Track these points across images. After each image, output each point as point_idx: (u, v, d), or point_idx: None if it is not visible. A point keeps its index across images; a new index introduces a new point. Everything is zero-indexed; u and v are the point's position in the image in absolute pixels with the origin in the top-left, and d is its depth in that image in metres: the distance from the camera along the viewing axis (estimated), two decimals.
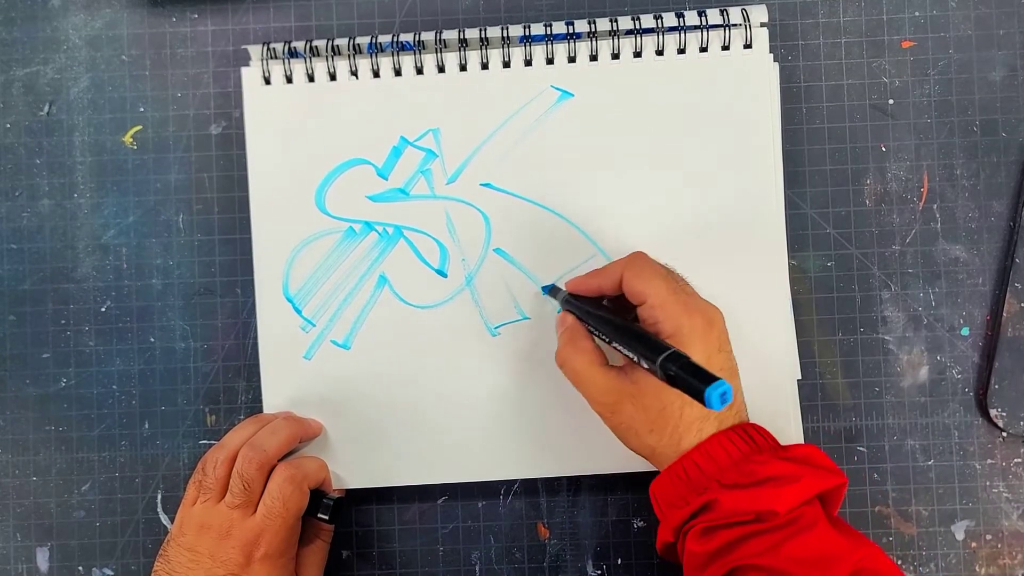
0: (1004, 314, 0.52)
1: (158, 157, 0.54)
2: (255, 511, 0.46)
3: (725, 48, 0.50)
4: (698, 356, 0.42)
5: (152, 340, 0.54)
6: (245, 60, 0.53)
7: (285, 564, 0.47)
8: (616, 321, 0.43)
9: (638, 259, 0.45)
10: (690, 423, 0.42)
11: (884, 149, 0.53)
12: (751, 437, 0.43)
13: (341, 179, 0.52)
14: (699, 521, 0.42)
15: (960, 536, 0.52)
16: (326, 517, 0.48)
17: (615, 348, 0.42)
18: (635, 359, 0.40)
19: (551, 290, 0.50)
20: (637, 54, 0.51)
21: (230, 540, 0.45)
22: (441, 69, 0.51)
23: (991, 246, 0.52)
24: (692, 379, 0.37)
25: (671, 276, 0.45)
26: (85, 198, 0.54)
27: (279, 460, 0.48)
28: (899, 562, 0.52)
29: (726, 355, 0.44)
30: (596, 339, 0.45)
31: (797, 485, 0.40)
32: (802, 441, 0.51)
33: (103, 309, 0.54)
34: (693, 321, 0.42)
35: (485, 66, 0.51)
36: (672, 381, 0.38)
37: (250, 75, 0.52)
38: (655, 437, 0.43)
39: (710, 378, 0.36)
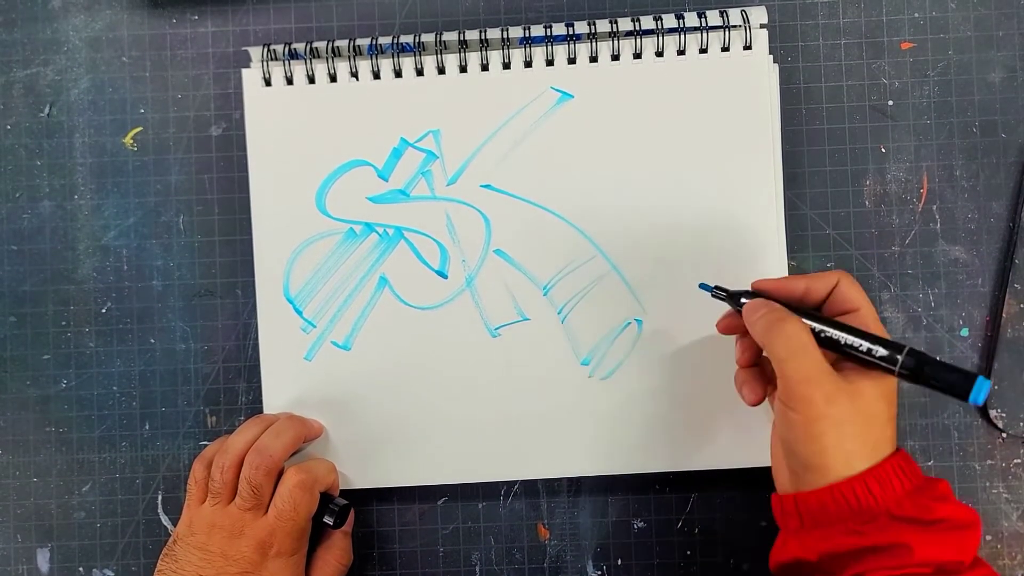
0: (1004, 315, 0.52)
1: (158, 158, 0.54)
2: (265, 512, 0.46)
3: (725, 49, 0.50)
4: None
5: (152, 341, 0.54)
6: (245, 62, 0.53)
7: (297, 562, 0.47)
8: (829, 318, 0.41)
9: (850, 276, 0.43)
10: (889, 440, 0.40)
11: (884, 150, 0.53)
12: (914, 466, 0.39)
13: (341, 180, 0.52)
14: (877, 567, 0.38)
15: None
16: (331, 522, 0.48)
17: (827, 339, 0.40)
18: (866, 349, 0.39)
19: (724, 293, 0.46)
20: (637, 55, 0.51)
21: (243, 539, 0.45)
22: (441, 71, 0.51)
23: (991, 247, 0.53)
24: (953, 373, 0.36)
25: None
26: (85, 199, 0.54)
27: (286, 461, 0.48)
28: None
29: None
30: None
31: (971, 531, 0.38)
32: None
33: (103, 310, 0.54)
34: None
35: (485, 67, 0.51)
36: (919, 376, 0.37)
37: (250, 76, 0.52)
38: (858, 441, 0.39)
39: (975, 374, 0.36)
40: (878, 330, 0.41)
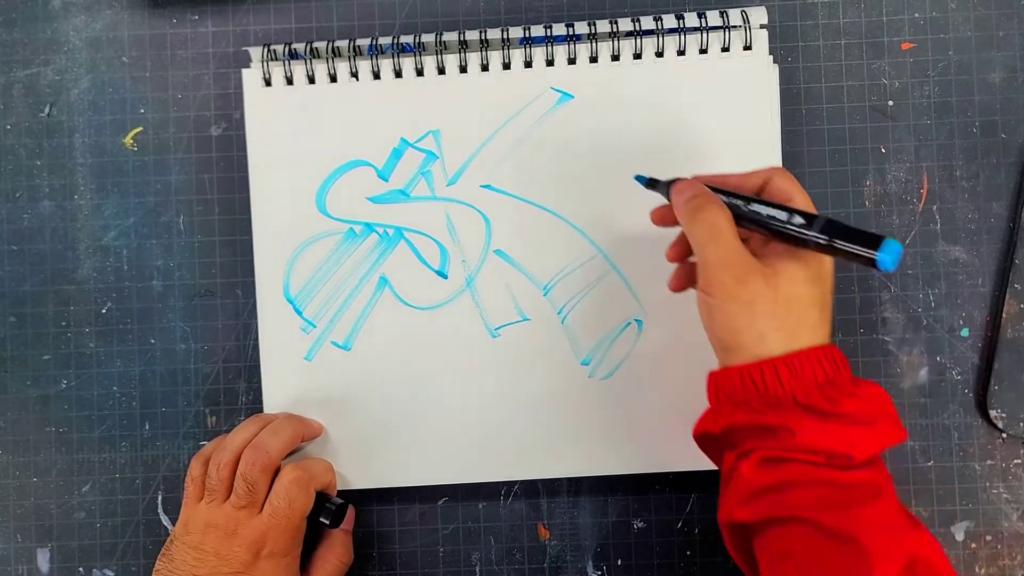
0: (1004, 315, 0.52)
1: (159, 158, 0.54)
2: (260, 510, 0.46)
3: (725, 50, 0.50)
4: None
5: (153, 341, 0.54)
6: (246, 62, 0.53)
7: (289, 563, 0.47)
8: (756, 197, 0.41)
9: (786, 171, 0.43)
10: (809, 324, 0.39)
11: (884, 151, 0.53)
12: (836, 362, 0.39)
13: (341, 180, 0.52)
14: (763, 447, 0.38)
15: (960, 537, 0.52)
16: (327, 521, 0.48)
17: (752, 213, 0.40)
18: (783, 218, 0.39)
19: (650, 181, 0.46)
20: (637, 56, 0.51)
21: (236, 539, 0.45)
22: (441, 71, 0.51)
23: (991, 247, 0.53)
24: (863, 236, 0.36)
25: None
26: (86, 199, 0.54)
27: (283, 460, 0.48)
28: None
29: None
30: None
31: (873, 430, 0.37)
32: None
33: (104, 310, 0.54)
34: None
35: (485, 68, 0.51)
36: (832, 243, 0.37)
37: (251, 77, 0.52)
38: (772, 323, 0.39)
39: (883, 236, 0.35)
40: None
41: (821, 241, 0.38)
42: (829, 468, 0.37)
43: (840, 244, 0.37)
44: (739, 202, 0.41)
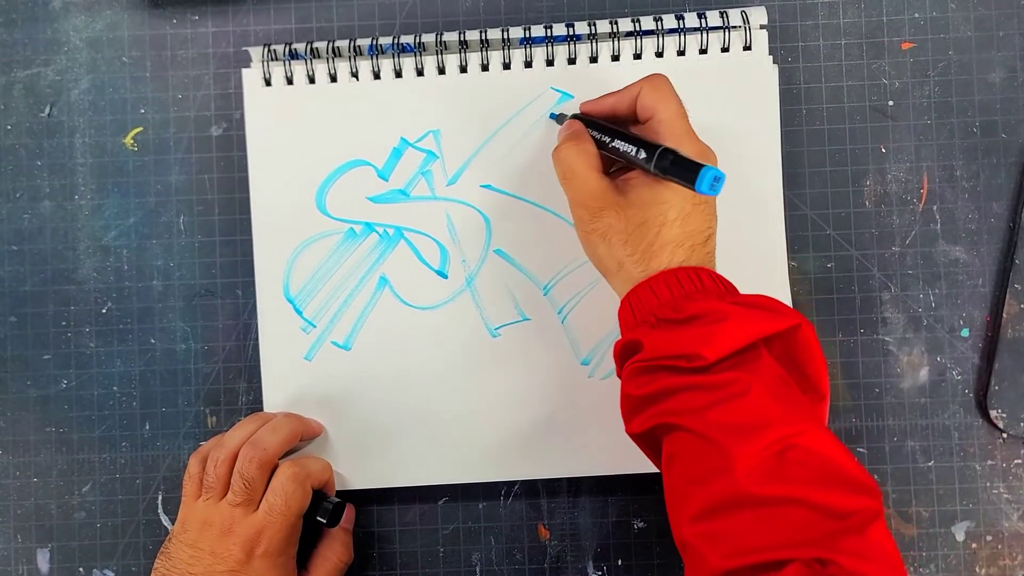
0: (1004, 315, 0.52)
1: (159, 158, 0.54)
2: (257, 508, 0.46)
3: (725, 50, 0.50)
4: None
5: (153, 341, 0.54)
6: (246, 62, 0.53)
7: (285, 563, 0.47)
8: (619, 128, 0.45)
9: (659, 77, 0.45)
10: (664, 245, 0.42)
11: (884, 150, 0.53)
12: (699, 278, 0.41)
13: (342, 180, 0.52)
14: (632, 361, 0.41)
15: (960, 537, 0.52)
16: (324, 520, 0.48)
17: (613, 149, 0.43)
18: (632, 152, 0.42)
19: (558, 117, 0.50)
20: (637, 56, 0.51)
21: (231, 537, 0.45)
22: (441, 71, 0.51)
23: (991, 247, 0.53)
24: (685, 166, 0.39)
25: (683, 105, 0.44)
26: (86, 200, 0.54)
27: (281, 458, 0.48)
28: None
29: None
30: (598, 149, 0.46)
31: (725, 325, 0.39)
32: None
33: (104, 310, 0.54)
34: (692, 148, 0.42)
35: (485, 68, 0.51)
36: (666, 171, 0.40)
37: (251, 76, 0.52)
38: (627, 250, 0.42)
39: (702, 165, 0.38)
40: (675, 130, 0.43)
41: (657, 172, 0.41)
42: (692, 373, 0.39)
43: (669, 177, 0.41)
44: (605, 138, 0.44)
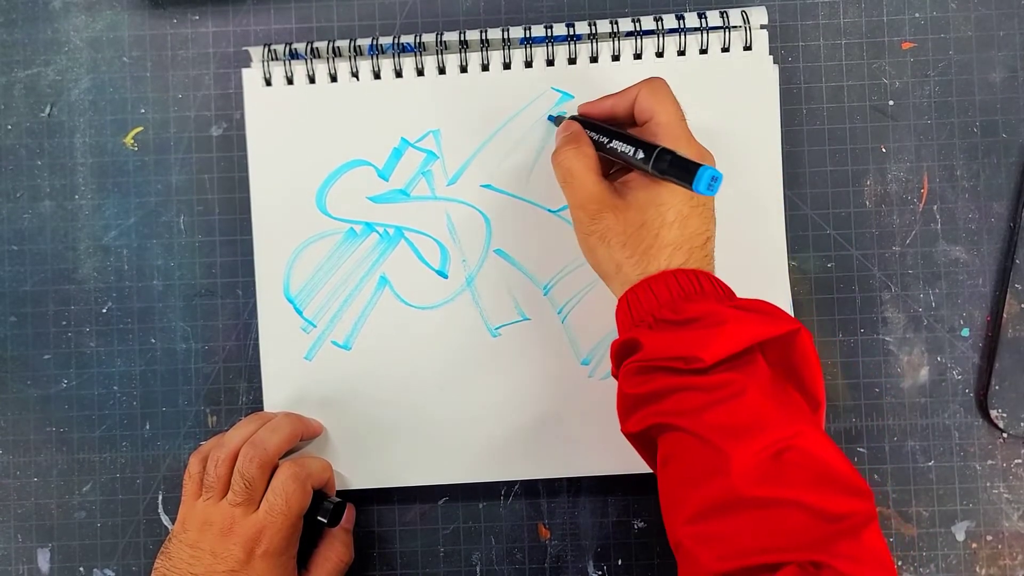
0: (1004, 315, 0.52)
1: (159, 158, 0.54)
2: (257, 508, 0.46)
3: (725, 50, 0.50)
4: None
5: (153, 341, 0.54)
6: (246, 61, 0.53)
7: (285, 563, 0.47)
8: (617, 129, 0.45)
9: (657, 80, 0.45)
10: (663, 247, 0.42)
11: (884, 150, 0.53)
12: (699, 280, 0.41)
13: (342, 180, 0.52)
14: (629, 361, 0.41)
15: (960, 537, 0.52)
16: (325, 520, 0.48)
17: (612, 150, 0.44)
18: (630, 153, 0.42)
19: (556, 119, 0.50)
20: (637, 56, 0.51)
21: (232, 537, 0.45)
22: (442, 71, 0.51)
23: (991, 247, 0.53)
24: (683, 166, 0.39)
25: (681, 109, 0.44)
26: (86, 199, 0.54)
27: (281, 458, 0.48)
28: (899, 563, 0.52)
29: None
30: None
31: (723, 329, 0.39)
32: None
33: (104, 310, 0.54)
34: (690, 150, 0.42)
35: (486, 68, 0.51)
36: (664, 171, 0.40)
37: (251, 76, 0.52)
38: (626, 252, 0.42)
39: (700, 165, 0.39)
40: (673, 133, 0.43)
41: (655, 173, 0.41)
42: (689, 375, 0.39)
43: (666, 177, 0.41)
44: (603, 139, 0.44)
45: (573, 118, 0.48)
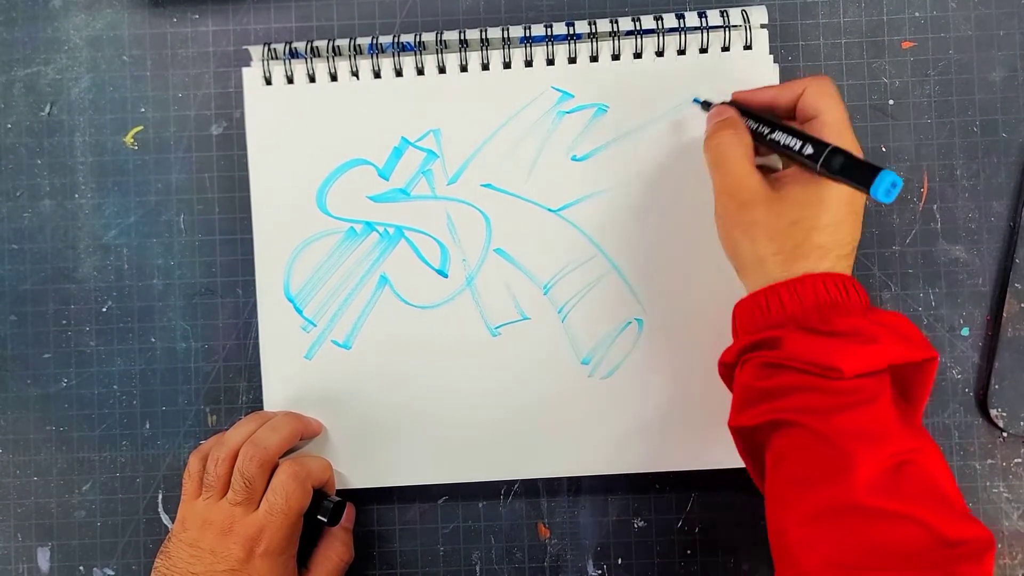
0: (1004, 314, 0.52)
1: (159, 157, 0.54)
2: (257, 507, 0.46)
3: (725, 49, 0.50)
4: None
5: (153, 340, 0.54)
6: (246, 60, 0.53)
7: (285, 562, 0.47)
8: (781, 122, 0.43)
9: (825, 78, 0.43)
10: (812, 248, 0.40)
11: (884, 150, 0.53)
12: (846, 289, 0.40)
13: (342, 179, 0.52)
14: (761, 355, 0.40)
15: None
16: (325, 519, 0.48)
17: (773, 142, 0.42)
18: (797, 148, 0.40)
19: (704, 103, 0.49)
20: (637, 55, 0.51)
21: (231, 536, 0.45)
22: (442, 70, 0.51)
23: (991, 246, 0.53)
24: (861, 167, 0.37)
25: (847, 112, 0.43)
26: (86, 198, 0.54)
27: (281, 457, 0.48)
28: None
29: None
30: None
31: (871, 348, 0.38)
32: None
33: (104, 309, 0.54)
34: (857, 154, 0.41)
35: (486, 67, 0.51)
36: (838, 170, 0.38)
37: (251, 75, 0.52)
38: (772, 247, 0.41)
39: (880, 168, 0.36)
40: (840, 134, 0.41)
41: (823, 172, 0.39)
42: (821, 377, 0.38)
43: (838, 177, 0.39)
44: (764, 128, 0.42)
45: (728, 104, 0.46)
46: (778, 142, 0.42)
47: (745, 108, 0.45)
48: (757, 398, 0.40)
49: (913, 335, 0.40)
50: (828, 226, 0.41)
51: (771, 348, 0.40)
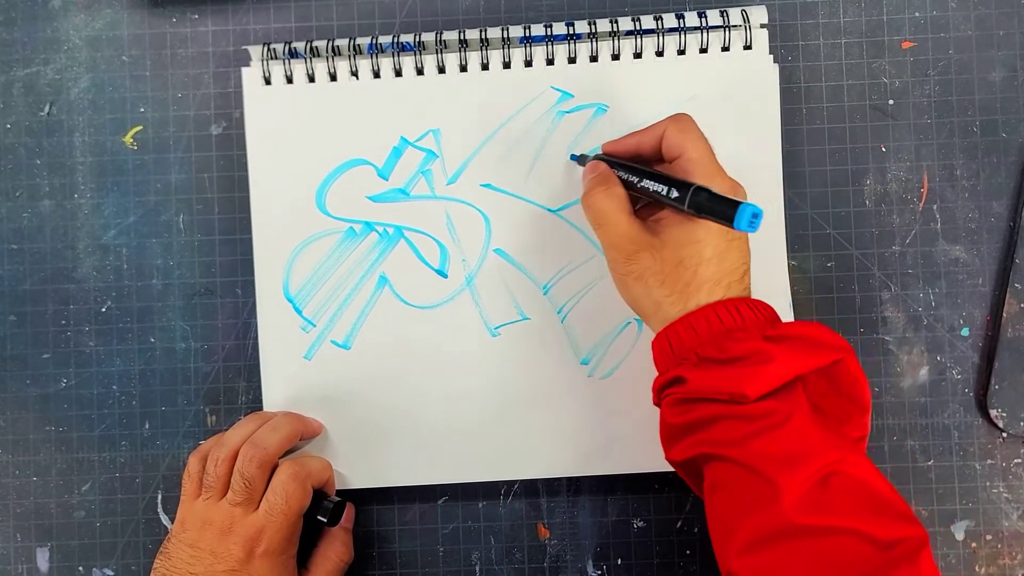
0: (1004, 315, 0.52)
1: (158, 157, 0.54)
2: (257, 507, 0.46)
3: (725, 49, 0.50)
4: None
5: (152, 340, 0.54)
6: (245, 60, 0.53)
7: (285, 562, 0.47)
8: (647, 168, 0.44)
9: (684, 116, 0.45)
10: (701, 284, 0.42)
11: (884, 150, 0.53)
12: (738, 311, 0.41)
13: (341, 179, 0.52)
14: (674, 391, 0.42)
15: (960, 536, 0.52)
16: (325, 519, 0.48)
17: (643, 189, 0.43)
18: (663, 192, 0.41)
19: (580, 158, 0.50)
20: (637, 55, 0.51)
21: (231, 536, 0.45)
22: (441, 70, 0.51)
23: (991, 246, 0.53)
24: (722, 203, 0.38)
25: (709, 144, 0.44)
26: (86, 198, 0.54)
27: (281, 457, 0.48)
28: None
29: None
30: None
31: (768, 367, 0.39)
32: None
33: (103, 309, 0.54)
34: (723, 185, 0.42)
35: (485, 67, 0.51)
36: (701, 209, 0.39)
37: (250, 75, 0.52)
38: (664, 290, 0.42)
39: (740, 202, 0.38)
40: (705, 168, 0.42)
41: (691, 211, 0.41)
42: (730, 404, 0.39)
43: (704, 215, 0.40)
44: (634, 178, 0.44)
45: (598, 157, 0.47)
46: (647, 189, 0.43)
47: (615, 159, 0.46)
48: (679, 434, 0.41)
49: (820, 338, 0.41)
50: (712, 259, 0.42)
51: (681, 384, 0.41)
